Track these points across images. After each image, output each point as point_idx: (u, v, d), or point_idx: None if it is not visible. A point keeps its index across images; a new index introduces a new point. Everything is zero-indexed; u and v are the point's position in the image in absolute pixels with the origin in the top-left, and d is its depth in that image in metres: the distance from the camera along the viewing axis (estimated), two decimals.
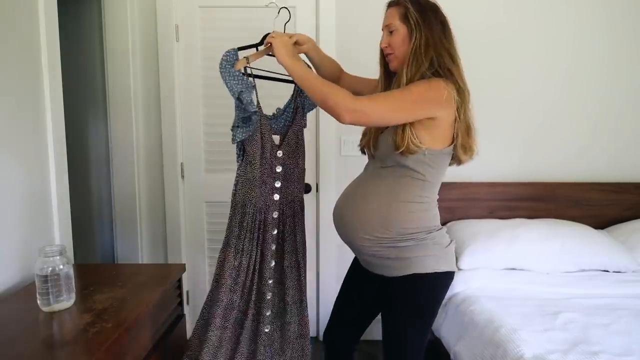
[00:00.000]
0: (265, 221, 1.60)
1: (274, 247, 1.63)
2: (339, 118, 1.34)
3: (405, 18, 1.44)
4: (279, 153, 1.61)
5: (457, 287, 2.20)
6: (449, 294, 2.21)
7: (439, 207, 2.74)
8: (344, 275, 1.74)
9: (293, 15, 2.58)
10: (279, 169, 1.61)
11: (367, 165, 1.62)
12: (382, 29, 1.52)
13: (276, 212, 1.62)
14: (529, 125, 2.70)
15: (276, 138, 1.63)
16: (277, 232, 1.64)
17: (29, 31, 1.67)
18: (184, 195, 2.72)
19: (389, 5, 1.51)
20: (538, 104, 2.69)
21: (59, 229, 1.81)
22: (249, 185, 1.57)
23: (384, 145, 1.46)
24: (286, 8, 1.66)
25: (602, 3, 2.63)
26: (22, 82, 1.63)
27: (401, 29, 1.44)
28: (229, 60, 1.53)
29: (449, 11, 2.59)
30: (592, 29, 2.65)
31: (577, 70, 2.68)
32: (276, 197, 1.61)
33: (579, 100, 2.70)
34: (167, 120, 2.63)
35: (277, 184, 1.61)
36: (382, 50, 1.54)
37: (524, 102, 2.68)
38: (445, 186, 2.62)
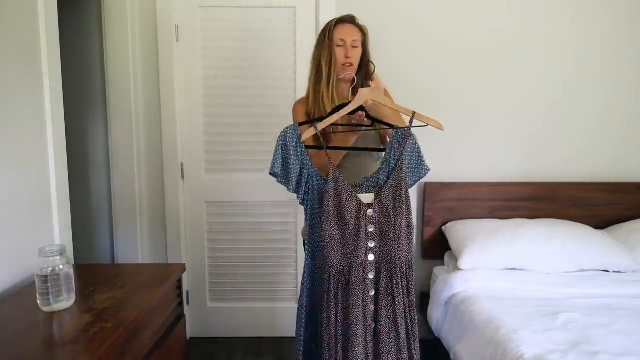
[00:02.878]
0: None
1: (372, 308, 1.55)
2: None
3: (364, 40, 1.80)
4: (369, 212, 1.50)
5: (457, 287, 2.20)
6: (448, 293, 2.22)
7: (438, 207, 2.76)
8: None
9: (293, 15, 2.59)
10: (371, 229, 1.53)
11: (350, 159, 1.75)
12: (342, 41, 1.74)
13: (372, 273, 1.53)
14: (529, 125, 2.70)
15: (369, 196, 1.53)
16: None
17: (29, 31, 1.67)
18: (184, 195, 2.72)
19: (349, 22, 1.78)
20: (539, 104, 2.69)
21: (59, 229, 1.81)
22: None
23: (372, 138, 1.75)
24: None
25: (603, 5, 2.63)
26: (22, 82, 1.63)
27: (360, 46, 1.78)
28: (289, 135, 1.52)
29: (453, 14, 2.62)
30: (594, 30, 2.64)
31: (578, 71, 2.68)
32: (370, 257, 1.52)
33: (580, 100, 2.70)
34: (167, 120, 2.63)
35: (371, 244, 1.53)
36: (334, 60, 1.74)
37: (524, 103, 2.68)
38: (445, 186, 2.65)
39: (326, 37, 1.76)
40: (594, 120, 2.71)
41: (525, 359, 1.54)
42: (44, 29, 1.73)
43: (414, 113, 1.50)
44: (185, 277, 2.65)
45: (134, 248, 2.65)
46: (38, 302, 1.34)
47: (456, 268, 2.36)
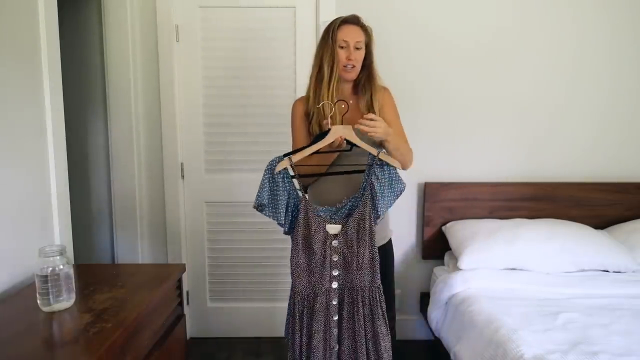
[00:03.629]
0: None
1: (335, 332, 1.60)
2: (405, 169, 1.72)
3: (368, 41, 1.78)
4: (334, 242, 1.57)
5: (457, 287, 2.20)
6: (448, 293, 2.22)
7: (438, 207, 2.76)
8: None
9: (293, 16, 2.59)
10: (335, 258, 1.58)
11: (344, 158, 1.72)
12: (345, 42, 1.72)
13: (335, 300, 1.59)
14: (530, 125, 2.70)
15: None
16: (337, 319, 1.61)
17: (29, 31, 1.67)
18: (184, 195, 2.72)
19: (353, 22, 1.76)
20: (540, 104, 2.69)
21: (59, 229, 1.81)
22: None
23: (369, 141, 1.62)
24: (344, 100, 1.68)
25: (604, 5, 2.63)
26: (22, 82, 1.63)
27: (364, 47, 1.76)
28: (272, 165, 1.55)
29: (455, 15, 2.62)
30: (595, 30, 2.64)
31: (579, 72, 2.67)
32: (334, 285, 1.58)
33: (580, 101, 2.70)
34: (167, 121, 2.63)
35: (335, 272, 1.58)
36: (336, 60, 1.72)
37: (525, 103, 2.68)
38: (445, 186, 2.65)
39: (329, 38, 1.73)
40: (595, 121, 2.71)
41: (525, 359, 1.54)
42: (44, 29, 1.73)
43: (378, 152, 1.56)
44: (185, 277, 2.65)
45: (134, 248, 2.65)
46: (38, 302, 1.34)
47: (456, 268, 2.36)
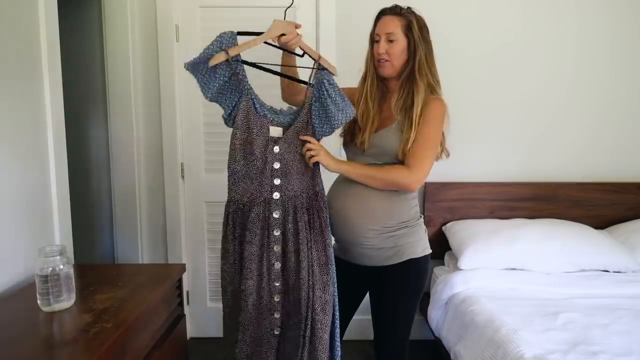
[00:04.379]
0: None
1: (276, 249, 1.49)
2: (408, 191, 1.58)
3: (408, 30, 1.56)
4: (276, 148, 1.47)
5: (457, 287, 2.20)
6: (449, 293, 2.22)
7: (439, 207, 2.76)
8: None
9: (293, 16, 2.59)
10: (276, 165, 1.48)
11: (353, 162, 1.66)
12: (377, 35, 1.60)
13: (277, 212, 1.48)
14: (530, 125, 2.70)
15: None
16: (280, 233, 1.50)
17: (29, 31, 1.67)
18: (184, 195, 2.72)
19: (388, 13, 1.60)
20: (539, 105, 2.69)
21: (59, 229, 1.81)
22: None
23: (387, 145, 1.57)
24: None
25: (605, 5, 2.63)
26: (22, 82, 1.63)
27: (402, 40, 1.56)
28: (222, 41, 1.45)
29: (457, 17, 2.61)
30: (595, 32, 2.65)
31: (579, 72, 2.68)
32: (276, 195, 1.48)
33: (580, 101, 2.70)
34: (167, 120, 2.63)
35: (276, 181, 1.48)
36: (370, 57, 1.63)
37: (525, 104, 2.68)
38: (445, 186, 2.65)
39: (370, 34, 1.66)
40: (595, 121, 2.72)
41: (526, 359, 1.54)
42: (44, 29, 1.72)
43: (319, 57, 1.46)
44: (185, 277, 2.65)
45: (134, 248, 2.65)
46: (38, 302, 1.34)
47: (456, 268, 2.36)
